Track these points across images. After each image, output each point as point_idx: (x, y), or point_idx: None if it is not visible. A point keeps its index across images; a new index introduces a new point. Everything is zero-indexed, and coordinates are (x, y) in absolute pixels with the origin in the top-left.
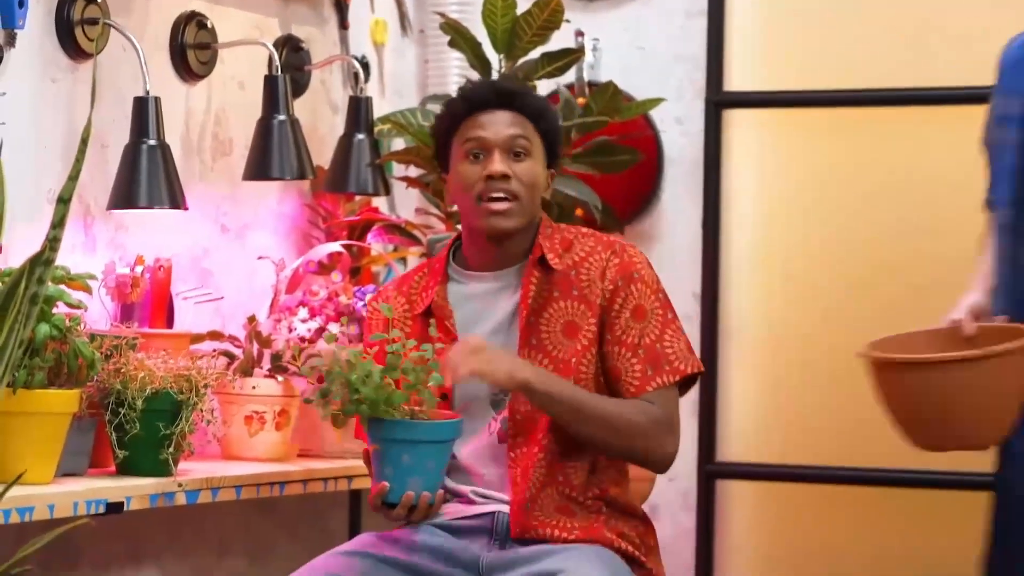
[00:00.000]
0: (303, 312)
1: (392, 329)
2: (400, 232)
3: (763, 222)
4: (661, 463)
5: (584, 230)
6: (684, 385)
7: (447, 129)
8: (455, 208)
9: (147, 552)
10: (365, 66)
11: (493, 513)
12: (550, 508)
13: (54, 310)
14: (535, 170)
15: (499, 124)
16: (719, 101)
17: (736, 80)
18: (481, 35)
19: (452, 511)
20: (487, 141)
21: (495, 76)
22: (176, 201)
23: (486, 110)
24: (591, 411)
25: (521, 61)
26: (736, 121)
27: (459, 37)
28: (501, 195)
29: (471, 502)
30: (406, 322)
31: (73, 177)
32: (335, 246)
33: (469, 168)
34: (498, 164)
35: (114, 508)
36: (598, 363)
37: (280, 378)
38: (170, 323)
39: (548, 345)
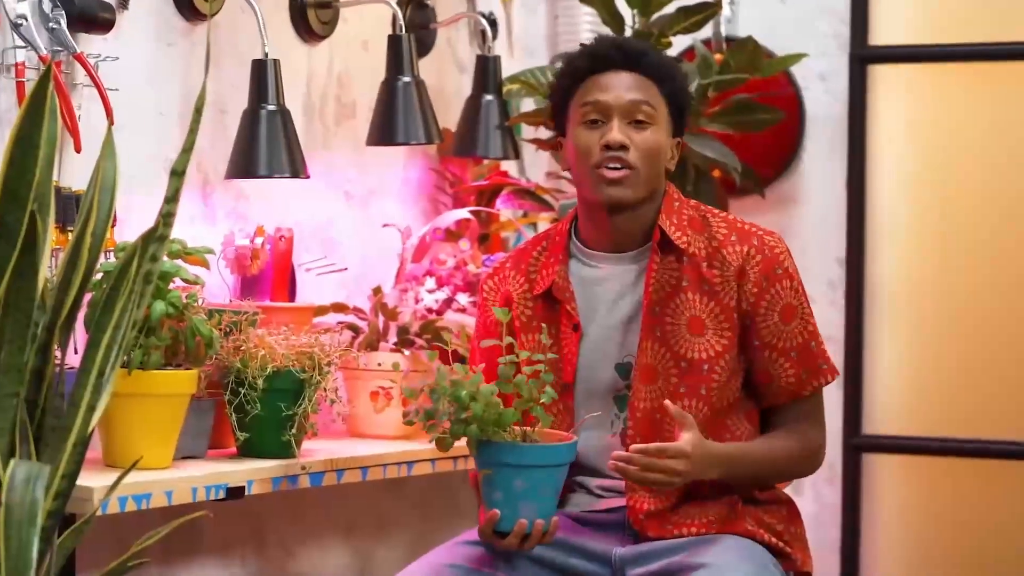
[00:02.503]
0: (430, 282)
1: (505, 336)
2: (531, 197)
3: (911, 184)
4: (812, 473)
5: (715, 211)
6: None
7: (566, 88)
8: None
9: (270, 535)
10: (493, 23)
11: (623, 507)
12: (681, 508)
13: (170, 285)
14: (657, 140)
15: (621, 88)
16: (864, 56)
17: (882, 34)
18: None
19: (582, 503)
20: (607, 106)
21: (628, 32)
22: (297, 169)
23: (609, 70)
24: (765, 470)
25: (656, 16)
26: (883, 77)
27: None
28: (617, 165)
29: (598, 496)
30: (526, 304)
31: (187, 149)
32: (463, 212)
33: (586, 134)
34: (616, 133)
35: (235, 493)
36: (733, 367)
37: (407, 352)
38: (292, 296)
39: (672, 340)
